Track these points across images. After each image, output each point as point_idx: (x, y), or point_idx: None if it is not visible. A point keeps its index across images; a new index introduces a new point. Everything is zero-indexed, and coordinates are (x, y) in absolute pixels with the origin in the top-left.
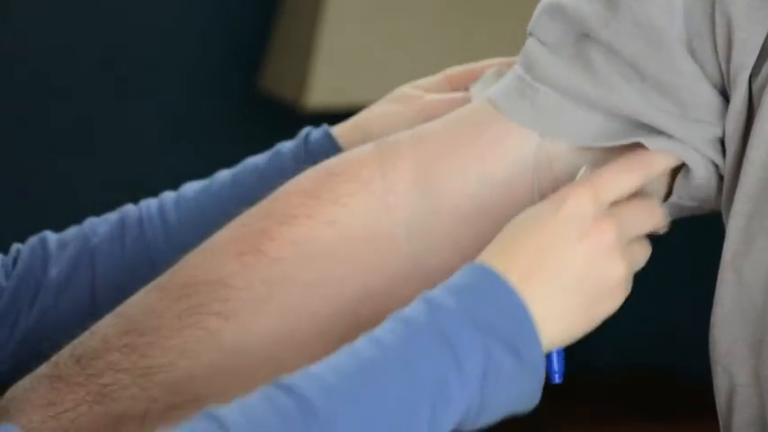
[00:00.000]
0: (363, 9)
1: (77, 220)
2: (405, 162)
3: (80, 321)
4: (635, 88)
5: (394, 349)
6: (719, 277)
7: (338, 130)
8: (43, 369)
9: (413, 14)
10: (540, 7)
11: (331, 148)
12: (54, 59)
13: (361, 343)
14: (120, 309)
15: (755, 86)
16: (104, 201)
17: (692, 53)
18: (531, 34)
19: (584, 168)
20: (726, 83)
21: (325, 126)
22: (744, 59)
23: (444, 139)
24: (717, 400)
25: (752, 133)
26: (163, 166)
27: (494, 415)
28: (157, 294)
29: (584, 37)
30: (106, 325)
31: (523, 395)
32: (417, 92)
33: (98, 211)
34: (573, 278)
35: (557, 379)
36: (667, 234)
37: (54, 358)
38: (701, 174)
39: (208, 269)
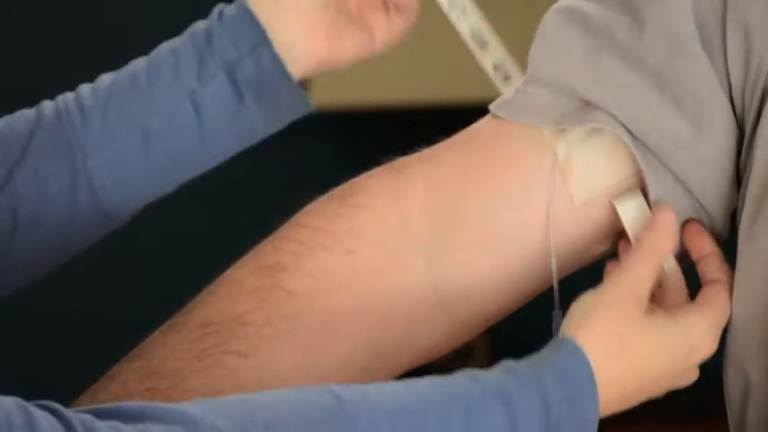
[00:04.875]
0: None
1: None
2: (416, 187)
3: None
4: (653, 99)
5: (455, 399)
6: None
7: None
8: None
9: None
10: (554, 12)
11: (247, 20)
12: (54, 59)
13: (424, 383)
14: (138, 351)
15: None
16: None
17: None
18: (538, 37)
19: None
20: (734, 93)
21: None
22: (763, 64)
23: (457, 163)
24: (728, 399)
25: (757, 133)
26: None
27: None
28: (175, 335)
29: (598, 50)
30: (125, 369)
31: None
32: None
33: None
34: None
35: None
36: None
37: (72, 409)
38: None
39: (224, 307)
